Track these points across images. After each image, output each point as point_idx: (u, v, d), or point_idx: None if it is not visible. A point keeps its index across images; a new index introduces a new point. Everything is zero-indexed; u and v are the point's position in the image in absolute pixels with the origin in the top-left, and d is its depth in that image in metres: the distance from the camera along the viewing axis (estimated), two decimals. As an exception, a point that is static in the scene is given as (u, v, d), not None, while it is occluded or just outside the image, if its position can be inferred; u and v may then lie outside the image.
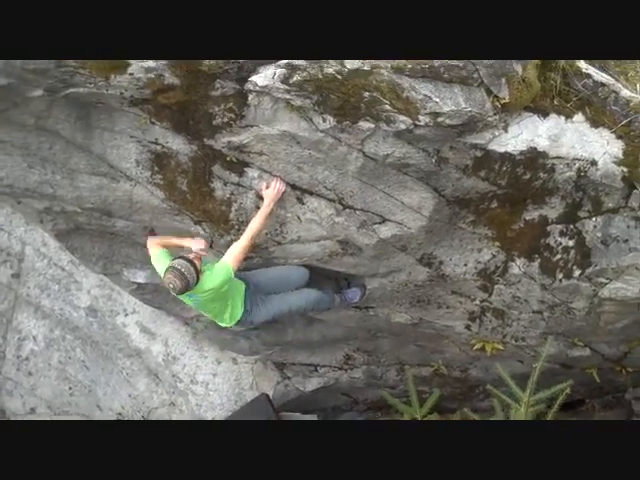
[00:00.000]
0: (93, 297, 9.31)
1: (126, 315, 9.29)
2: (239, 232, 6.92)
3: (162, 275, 6.43)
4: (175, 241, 6.89)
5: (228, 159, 6.41)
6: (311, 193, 6.48)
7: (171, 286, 6.24)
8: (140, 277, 8.31)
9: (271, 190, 6.36)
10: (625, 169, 6.11)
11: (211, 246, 7.17)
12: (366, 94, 5.55)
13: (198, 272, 6.30)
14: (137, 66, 5.70)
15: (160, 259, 6.74)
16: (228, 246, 7.10)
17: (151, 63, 5.69)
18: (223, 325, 7.11)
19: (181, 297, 6.65)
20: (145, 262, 8.10)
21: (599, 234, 6.51)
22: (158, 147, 6.55)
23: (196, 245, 6.65)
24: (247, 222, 6.70)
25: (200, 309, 6.98)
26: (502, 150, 5.98)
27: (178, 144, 6.46)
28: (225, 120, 6.07)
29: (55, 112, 6.39)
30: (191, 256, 6.35)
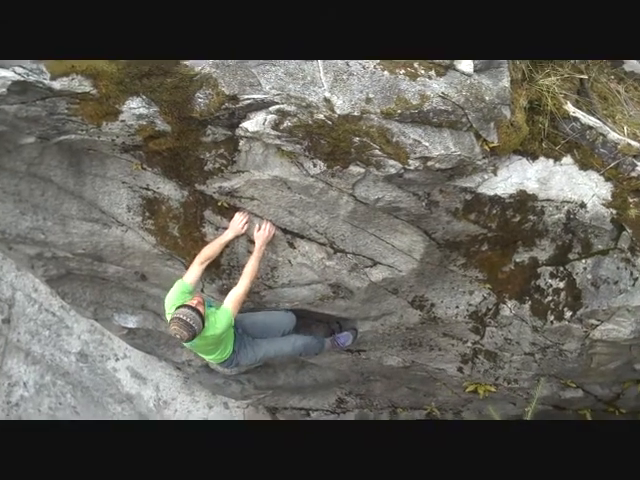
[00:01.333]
0: (84, 342, 9.27)
1: (117, 360, 9.25)
2: (230, 276, 6.93)
3: (167, 321, 6.43)
4: (217, 245, 6.59)
5: (219, 204, 6.43)
6: (302, 237, 6.50)
7: (178, 337, 6.22)
8: (131, 322, 8.28)
9: (262, 232, 6.37)
10: (614, 211, 6.16)
11: (202, 290, 7.17)
12: (356, 139, 5.59)
13: (203, 320, 6.28)
14: (129, 113, 5.74)
15: (175, 294, 6.53)
16: (220, 290, 7.14)
17: (143, 110, 5.74)
18: (209, 359, 7.06)
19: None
20: (136, 307, 8.11)
21: (589, 276, 6.53)
22: (149, 193, 6.57)
23: (236, 226, 6.43)
24: (238, 266, 6.72)
25: (195, 350, 6.94)
26: (492, 193, 6.02)
27: (169, 190, 6.49)
28: (216, 166, 6.10)
29: (47, 159, 6.42)
30: (194, 303, 6.29)
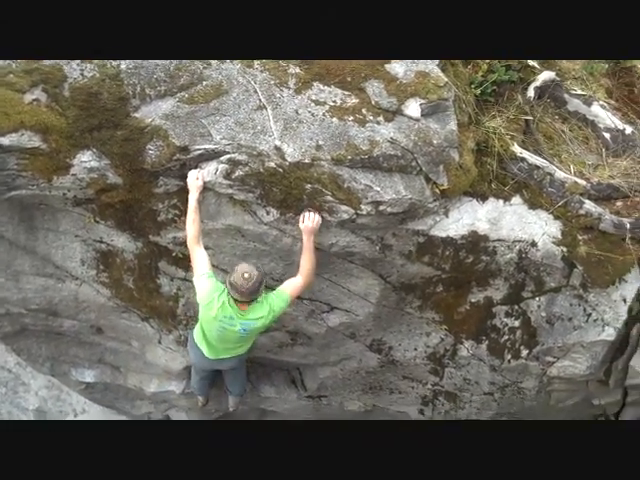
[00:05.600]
0: (41, 398, 9.12)
1: (76, 415, 9.11)
2: (187, 327, 6.90)
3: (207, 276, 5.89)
4: (193, 216, 5.81)
5: (174, 255, 6.42)
6: (259, 284, 6.51)
7: (246, 276, 5.69)
8: (88, 376, 8.18)
9: (307, 223, 5.78)
10: (564, 249, 6.24)
11: (159, 342, 7.12)
12: (308, 186, 5.63)
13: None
14: (80, 167, 5.74)
15: (210, 286, 5.92)
16: (177, 342, 7.10)
17: (94, 163, 5.74)
18: (232, 354, 6.57)
19: (222, 315, 5.97)
20: (93, 361, 8.02)
21: (543, 313, 6.59)
22: (103, 245, 6.54)
23: (195, 184, 5.75)
24: (195, 316, 6.68)
25: (224, 335, 6.21)
26: (444, 235, 6.08)
27: (123, 242, 6.46)
28: (170, 216, 6.11)
29: (-3, 215, 6.38)
30: None
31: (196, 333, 6.53)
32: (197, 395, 7.64)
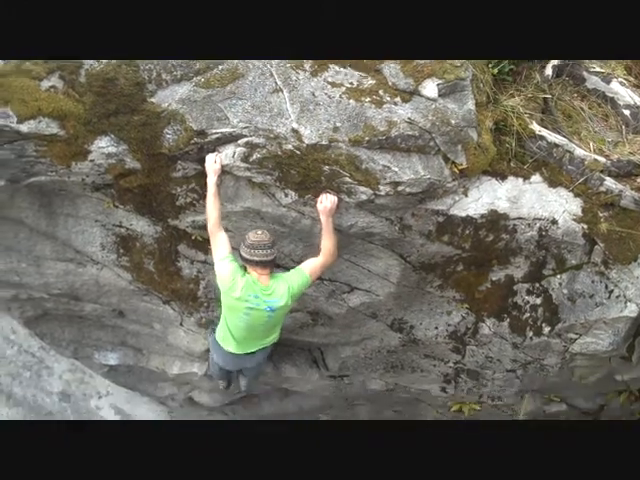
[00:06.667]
0: (65, 382, 9.20)
1: (99, 398, 9.19)
2: (208, 309, 6.92)
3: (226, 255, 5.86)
4: (213, 200, 5.79)
5: (193, 238, 6.44)
6: (278, 266, 6.48)
7: (259, 232, 5.79)
8: (111, 359, 8.25)
9: (324, 205, 5.76)
10: (585, 226, 6.19)
11: (181, 324, 7.15)
12: (326, 168, 5.62)
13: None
14: (98, 152, 5.74)
15: (230, 268, 5.87)
16: (199, 324, 7.13)
17: (112, 148, 5.74)
18: (264, 342, 6.50)
19: (246, 293, 5.89)
20: (116, 344, 8.08)
21: (565, 291, 6.56)
22: (123, 230, 6.57)
23: (213, 167, 5.74)
24: (215, 298, 6.70)
25: (250, 320, 6.12)
26: (463, 214, 6.05)
27: (142, 226, 6.49)
28: (188, 200, 6.11)
29: (18, 201, 6.41)
30: None
31: (219, 334, 6.45)
32: (218, 380, 7.65)
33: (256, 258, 5.78)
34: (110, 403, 9.19)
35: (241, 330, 6.22)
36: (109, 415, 9.21)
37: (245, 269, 5.91)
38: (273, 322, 6.22)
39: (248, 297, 5.90)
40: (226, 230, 5.99)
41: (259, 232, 5.80)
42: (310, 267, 5.96)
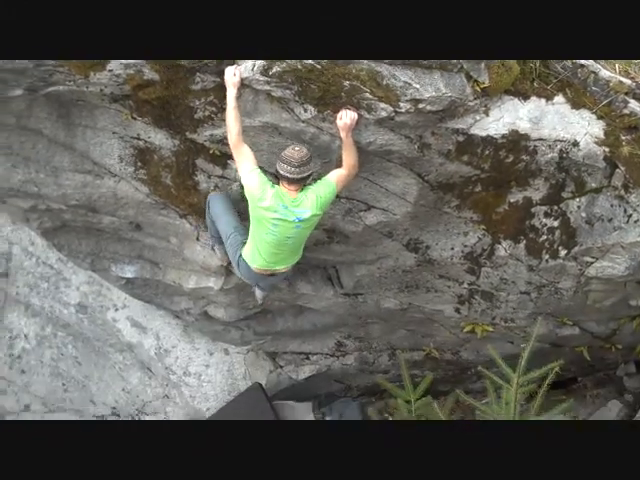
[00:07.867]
0: (82, 294, 9.29)
1: (116, 310, 9.28)
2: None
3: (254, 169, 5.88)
4: (234, 113, 5.75)
5: (211, 152, 6.41)
6: (295, 183, 6.49)
7: (297, 148, 5.78)
8: (128, 272, 8.32)
9: (344, 121, 5.69)
10: (607, 149, 6.12)
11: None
12: (346, 83, 5.55)
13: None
14: (116, 63, 5.70)
15: (259, 180, 5.90)
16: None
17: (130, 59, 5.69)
18: (287, 264, 6.57)
19: (276, 204, 5.90)
20: (133, 257, 8.13)
21: (583, 214, 6.53)
22: (140, 142, 6.55)
23: (232, 80, 5.68)
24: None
25: (278, 232, 6.11)
26: (484, 134, 5.99)
27: (160, 139, 6.47)
28: (206, 114, 6.08)
29: (36, 111, 6.39)
30: None
31: (247, 252, 6.44)
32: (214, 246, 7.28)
33: (282, 172, 5.79)
34: (127, 315, 9.28)
35: (268, 245, 6.22)
36: (125, 327, 9.31)
37: (275, 182, 5.93)
38: (300, 237, 6.27)
39: (277, 207, 5.92)
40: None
41: (296, 148, 5.78)
42: (336, 176, 5.97)
